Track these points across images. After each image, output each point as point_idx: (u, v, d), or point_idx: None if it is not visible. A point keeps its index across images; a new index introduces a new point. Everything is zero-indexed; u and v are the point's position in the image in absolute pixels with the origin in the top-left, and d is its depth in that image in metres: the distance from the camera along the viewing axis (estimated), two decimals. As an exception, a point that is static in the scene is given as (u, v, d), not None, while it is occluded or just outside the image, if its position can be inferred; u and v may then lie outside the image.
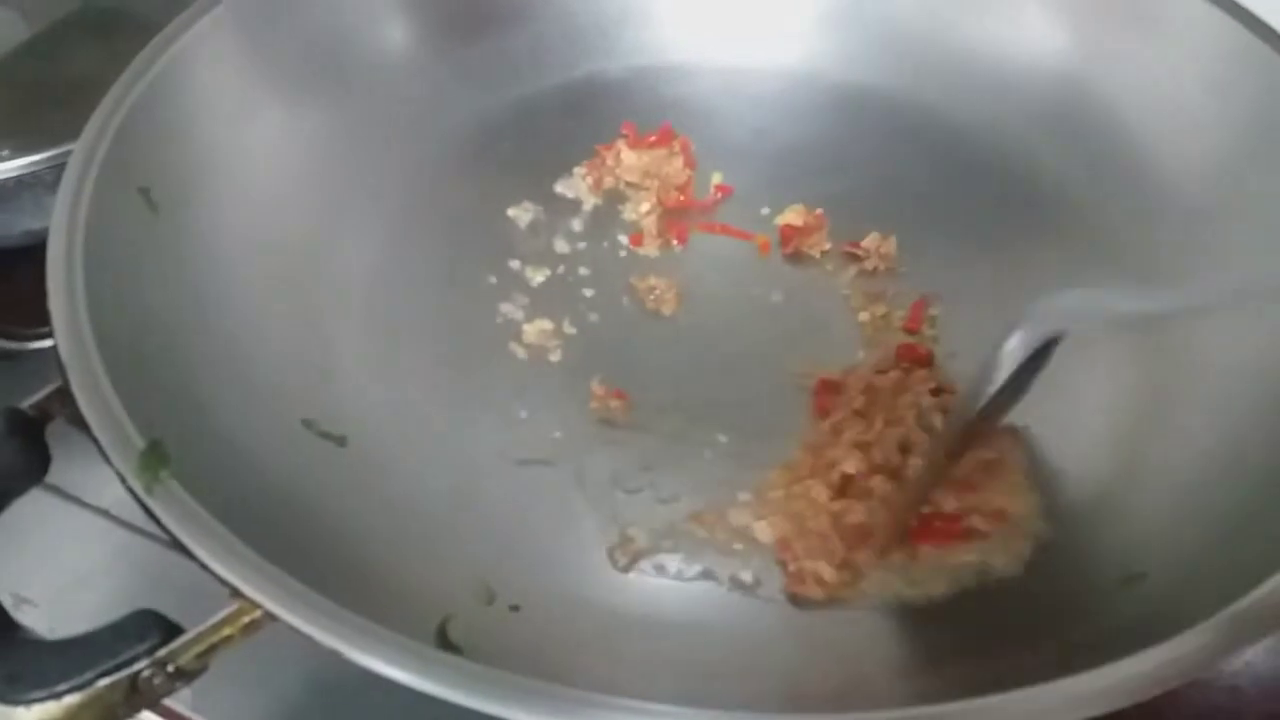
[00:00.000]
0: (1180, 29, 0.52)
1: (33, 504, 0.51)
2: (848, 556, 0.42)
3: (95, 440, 0.36)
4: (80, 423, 0.37)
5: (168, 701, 0.46)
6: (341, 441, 0.45)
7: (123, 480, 0.35)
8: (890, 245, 0.55)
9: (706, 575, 0.43)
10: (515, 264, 0.54)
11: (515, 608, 0.41)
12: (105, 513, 0.52)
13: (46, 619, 0.49)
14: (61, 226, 0.42)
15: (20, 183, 0.54)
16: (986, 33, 0.58)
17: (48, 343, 0.56)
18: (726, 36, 0.63)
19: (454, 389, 0.49)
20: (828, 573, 0.41)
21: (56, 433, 0.41)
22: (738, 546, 0.44)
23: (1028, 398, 0.47)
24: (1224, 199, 0.50)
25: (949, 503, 0.43)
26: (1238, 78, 0.50)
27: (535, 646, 0.38)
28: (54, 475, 0.52)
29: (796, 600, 0.42)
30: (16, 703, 0.30)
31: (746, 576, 0.43)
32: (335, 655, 0.31)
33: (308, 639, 0.31)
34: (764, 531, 0.43)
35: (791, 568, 0.42)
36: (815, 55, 0.63)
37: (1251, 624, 0.32)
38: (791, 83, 0.63)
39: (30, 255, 0.42)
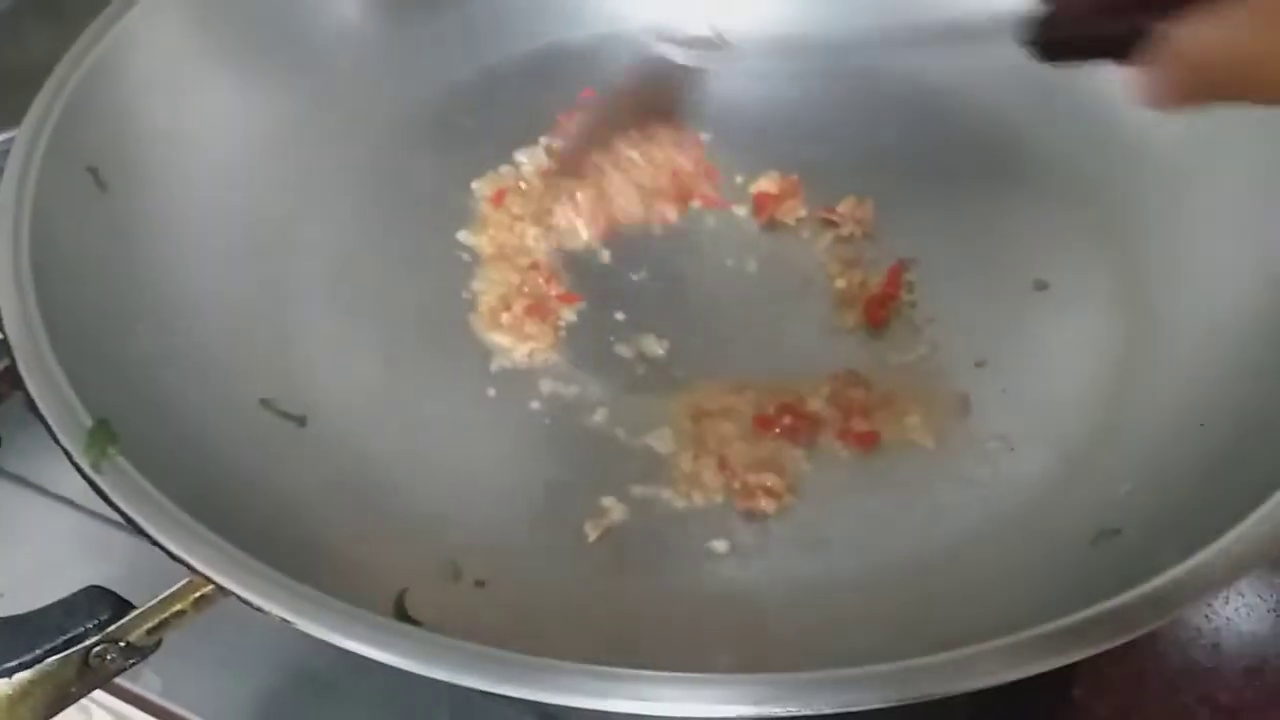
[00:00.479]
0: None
1: (-9, 492, 0.51)
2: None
3: (42, 419, 0.35)
4: (30, 403, 0.36)
5: (140, 690, 0.45)
6: (301, 421, 0.45)
7: (70, 458, 0.34)
8: (867, 210, 0.54)
9: (680, 546, 0.42)
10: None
11: (480, 583, 0.40)
12: (69, 501, 0.51)
13: (10, 607, 0.49)
14: (8, 208, 0.41)
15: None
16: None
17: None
18: (693, 3, 0.62)
19: (418, 366, 0.48)
20: (770, 480, 0.43)
21: (18, 420, 0.40)
22: (704, 504, 0.43)
23: (999, 357, 0.47)
24: (1197, 151, 0.49)
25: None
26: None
27: (500, 621, 0.38)
28: (16, 464, 0.52)
29: (752, 515, 0.43)
30: (-38, 682, 0.30)
31: (720, 546, 0.43)
32: (286, 625, 0.30)
33: (258, 610, 0.30)
34: (664, 441, 0.45)
35: (736, 485, 0.43)
36: (787, 20, 0.62)
37: (1219, 569, 0.32)
38: (764, 49, 0.61)
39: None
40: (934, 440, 0.45)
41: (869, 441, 0.45)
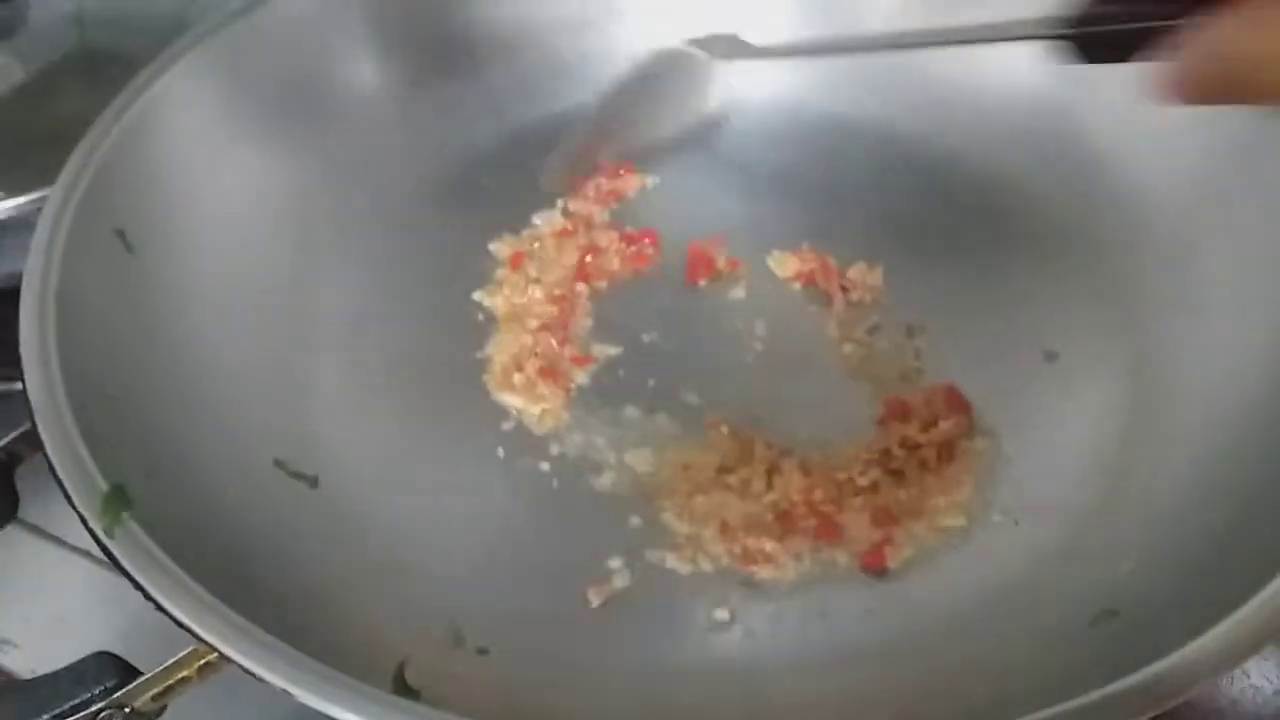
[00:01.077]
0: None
1: (14, 545, 0.52)
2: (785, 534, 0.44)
3: (59, 483, 0.36)
4: (49, 467, 0.37)
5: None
6: (314, 482, 0.45)
7: (84, 522, 0.35)
8: (876, 277, 0.54)
9: (684, 614, 0.43)
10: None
11: (483, 651, 0.40)
12: (87, 553, 0.52)
13: (28, 660, 0.50)
14: (36, 268, 0.42)
15: (4, 225, 0.55)
16: (968, 60, 0.58)
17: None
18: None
19: (431, 429, 0.49)
20: (770, 546, 0.43)
21: (39, 472, 0.42)
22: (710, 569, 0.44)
23: (1004, 428, 0.48)
24: (1206, 220, 0.50)
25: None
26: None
27: (501, 689, 0.38)
28: (36, 516, 0.53)
29: (753, 584, 0.43)
30: (-30, 747, 0.30)
31: (723, 615, 0.43)
32: (286, 696, 0.30)
33: (259, 680, 0.31)
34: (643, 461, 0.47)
35: (737, 549, 0.44)
36: (799, 86, 0.63)
37: (1216, 655, 0.31)
38: (777, 113, 0.63)
39: (11, 298, 0.42)
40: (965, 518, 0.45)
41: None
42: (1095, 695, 0.31)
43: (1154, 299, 0.50)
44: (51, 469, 0.36)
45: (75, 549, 0.52)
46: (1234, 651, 0.32)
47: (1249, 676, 0.44)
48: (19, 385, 0.39)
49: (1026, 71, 0.57)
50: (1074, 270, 0.54)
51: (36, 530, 0.52)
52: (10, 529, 0.52)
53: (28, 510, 0.52)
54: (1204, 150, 0.51)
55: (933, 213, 0.58)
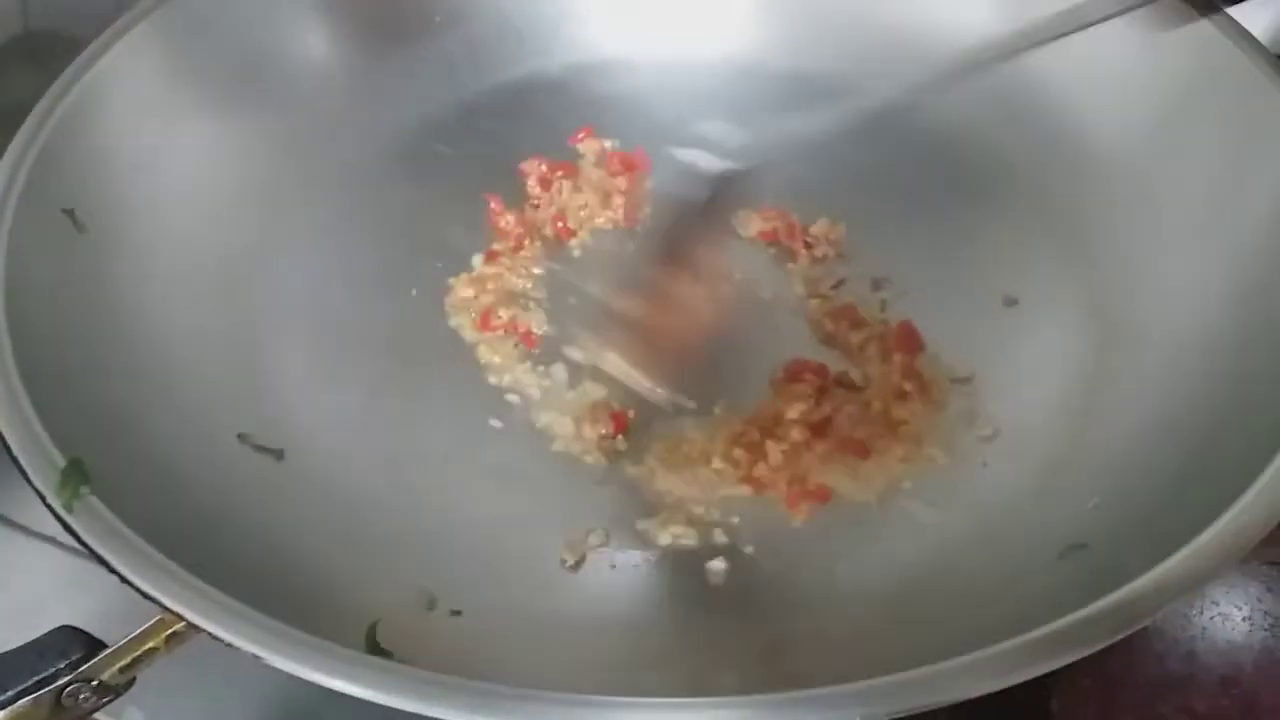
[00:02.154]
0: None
1: (-24, 533, 0.51)
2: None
3: (15, 460, 0.35)
4: (4, 444, 0.37)
5: (122, 724, 0.46)
6: (279, 455, 0.45)
7: (43, 499, 0.34)
8: (839, 231, 0.55)
9: (659, 564, 0.43)
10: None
11: (456, 613, 0.40)
12: (52, 539, 0.51)
13: (-6, 647, 0.49)
14: (-17, 244, 0.41)
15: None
16: (926, 13, 0.59)
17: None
18: (664, 29, 0.63)
19: (397, 397, 0.49)
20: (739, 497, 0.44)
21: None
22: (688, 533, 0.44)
23: (969, 367, 0.48)
24: (1159, 164, 0.50)
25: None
26: (1169, 48, 0.50)
27: (474, 650, 0.38)
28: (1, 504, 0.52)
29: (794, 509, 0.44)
30: (-65, 724, 0.30)
31: (710, 567, 0.43)
32: (256, 660, 0.30)
33: (228, 646, 0.30)
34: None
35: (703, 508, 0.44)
36: (756, 44, 0.63)
37: (1180, 579, 0.32)
38: (734, 73, 0.63)
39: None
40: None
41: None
42: (1067, 620, 0.31)
43: (1111, 242, 0.51)
44: (6, 446, 0.36)
45: (39, 535, 0.51)
46: (1196, 575, 0.33)
47: (1218, 605, 0.45)
48: None
49: (981, 24, 0.58)
50: (1032, 217, 0.54)
51: (1, 518, 0.51)
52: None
53: (-11, 498, 0.52)
54: (1155, 95, 0.52)
55: (893, 167, 0.58)
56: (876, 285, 0.53)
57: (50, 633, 0.32)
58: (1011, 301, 0.51)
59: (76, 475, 0.34)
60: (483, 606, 0.40)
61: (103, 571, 0.49)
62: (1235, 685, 0.43)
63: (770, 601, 0.41)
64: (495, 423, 0.48)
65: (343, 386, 0.48)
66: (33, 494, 0.50)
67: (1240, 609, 0.45)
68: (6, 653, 0.32)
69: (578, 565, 0.43)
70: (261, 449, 0.44)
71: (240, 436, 0.44)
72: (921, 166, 0.58)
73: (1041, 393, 0.47)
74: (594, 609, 0.41)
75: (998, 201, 0.55)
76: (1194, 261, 0.47)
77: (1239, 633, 0.44)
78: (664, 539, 0.44)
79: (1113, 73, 0.53)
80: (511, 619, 0.40)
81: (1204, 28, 0.49)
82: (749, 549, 0.43)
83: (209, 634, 0.31)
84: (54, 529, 0.50)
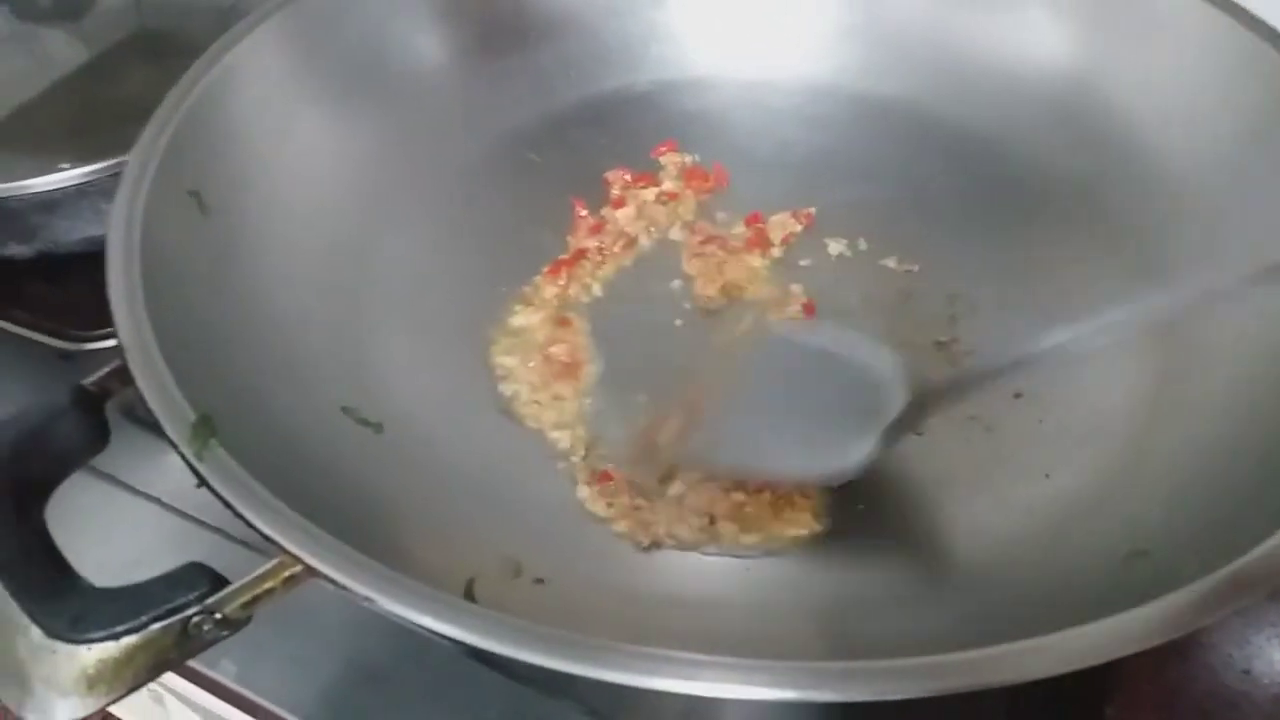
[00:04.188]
0: (1180, 29, 0.54)
1: (91, 492, 0.55)
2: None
3: (151, 411, 0.38)
4: (137, 404, 0.40)
5: (217, 675, 0.48)
6: (378, 429, 0.48)
7: (175, 448, 0.37)
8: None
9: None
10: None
11: (540, 581, 0.43)
12: (158, 501, 0.54)
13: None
14: (120, 222, 0.45)
15: (80, 191, 0.58)
16: (996, 40, 0.61)
17: (102, 344, 0.60)
18: (748, 51, 0.66)
19: (480, 385, 0.51)
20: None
21: (115, 425, 0.44)
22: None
23: (1036, 390, 0.50)
24: (1229, 192, 0.52)
25: None
26: (1238, 74, 0.52)
27: (557, 615, 0.40)
28: (112, 465, 0.56)
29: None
30: (78, 642, 0.33)
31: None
32: (369, 603, 0.33)
33: (342, 589, 0.33)
34: None
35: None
36: (835, 68, 0.65)
37: (1235, 587, 0.33)
38: (813, 95, 0.65)
39: (87, 261, 0.45)
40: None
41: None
42: (1118, 617, 0.32)
43: (1179, 265, 0.52)
44: (142, 400, 0.39)
45: (148, 497, 0.54)
46: (1246, 586, 0.34)
47: (1275, 625, 0.45)
48: (104, 344, 0.42)
49: (1049, 48, 0.60)
50: (1101, 238, 0.56)
51: (112, 479, 0.55)
52: (81, 476, 0.54)
53: (104, 461, 0.55)
54: (1224, 119, 0.53)
55: (965, 188, 0.60)
56: (948, 301, 0.55)
57: (180, 567, 0.35)
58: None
59: (206, 429, 0.37)
60: (563, 577, 0.43)
61: (203, 531, 0.53)
62: (1289, 703, 0.43)
63: (840, 589, 0.43)
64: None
65: (436, 370, 0.51)
66: (143, 458, 0.54)
67: None
68: (141, 583, 0.34)
69: (651, 548, 0.45)
70: (363, 422, 0.47)
71: (344, 409, 0.47)
72: (997, 192, 0.60)
73: (1106, 408, 0.48)
74: (667, 585, 0.44)
75: (1066, 224, 0.57)
76: (1260, 287, 0.48)
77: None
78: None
79: (1183, 96, 0.54)
80: (590, 589, 0.43)
81: (1274, 55, 0.51)
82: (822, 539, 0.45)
83: (323, 576, 0.34)
84: (160, 489, 0.55)
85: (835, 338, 0.45)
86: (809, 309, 0.55)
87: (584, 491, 0.47)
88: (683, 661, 0.31)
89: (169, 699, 0.56)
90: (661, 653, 0.31)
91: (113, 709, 0.62)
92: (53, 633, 0.33)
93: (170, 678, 0.51)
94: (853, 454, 0.41)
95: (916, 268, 0.56)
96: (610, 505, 0.47)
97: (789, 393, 0.44)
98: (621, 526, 0.46)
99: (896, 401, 0.42)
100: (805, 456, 0.43)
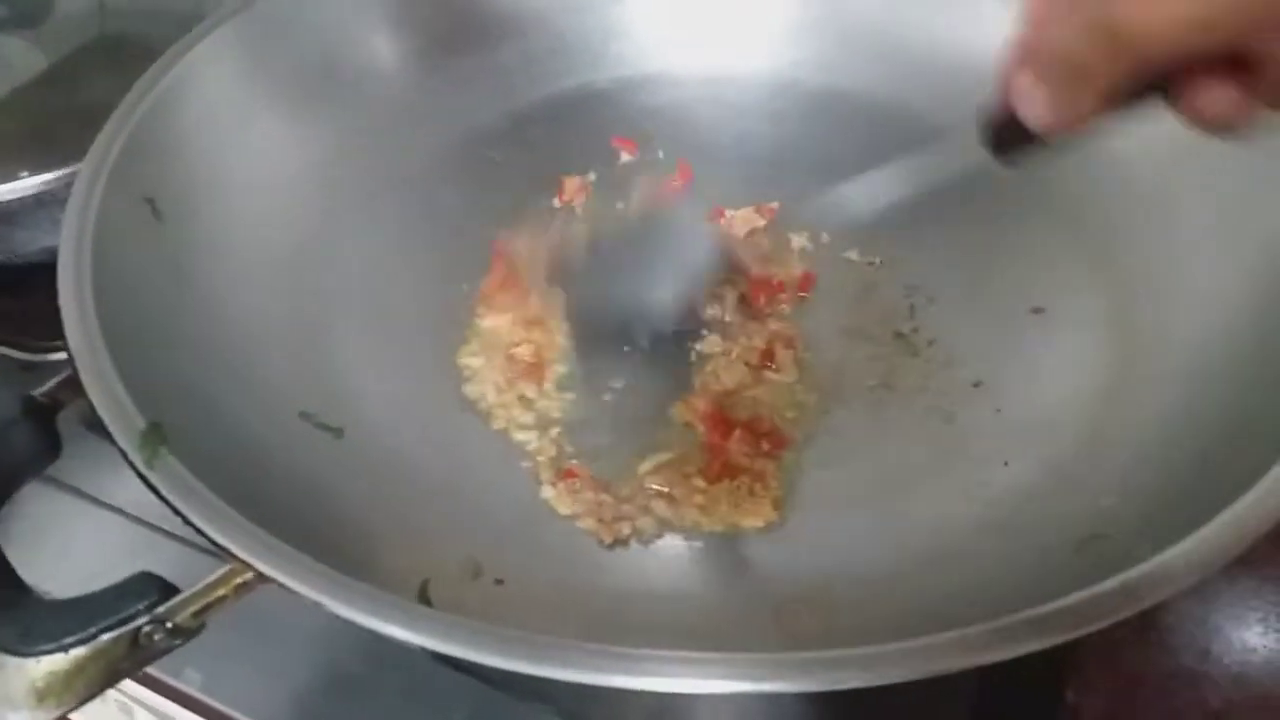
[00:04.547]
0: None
1: (47, 502, 0.54)
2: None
3: (100, 421, 0.38)
4: (88, 412, 0.39)
5: (180, 685, 0.48)
6: (338, 433, 0.48)
7: (125, 456, 0.37)
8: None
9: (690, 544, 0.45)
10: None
11: (500, 582, 0.43)
12: (120, 511, 0.54)
13: (63, 607, 0.52)
14: (72, 231, 0.45)
15: (38, 200, 0.57)
16: (951, 32, 0.61)
17: (62, 355, 0.60)
18: (707, 46, 0.66)
19: (444, 386, 0.51)
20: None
21: (72, 436, 0.44)
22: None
23: (995, 379, 0.50)
24: (1183, 175, 0.52)
25: None
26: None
27: (515, 615, 0.40)
28: (71, 475, 0.55)
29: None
30: (27, 655, 0.33)
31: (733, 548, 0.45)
32: (318, 607, 0.33)
33: (292, 593, 0.33)
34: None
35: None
36: (793, 62, 0.65)
37: (1184, 567, 0.33)
38: (771, 89, 0.65)
39: (47, 271, 0.44)
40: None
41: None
42: (1072, 597, 0.33)
43: (1135, 252, 0.53)
44: (92, 408, 0.38)
45: (109, 506, 0.54)
46: (1196, 564, 0.34)
47: (1233, 606, 0.46)
48: (61, 355, 0.41)
49: (1004, 40, 0.60)
50: (1061, 230, 0.56)
51: (72, 489, 0.54)
52: (42, 487, 0.54)
53: (64, 471, 0.55)
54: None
55: (919, 180, 0.59)
56: (908, 292, 0.55)
57: (130, 578, 0.34)
58: (1038, 310, 0.53)
59: (156, 436, 0.37)
60: (524, 576, 0.43)
61: (165, 539, 0.53)
62: (1247, 681, 0.44)
63: (800, 578, 0.43)
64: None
65: (397, 373, 0.51)
66: (103, 467, 0.54)
67: (1255, 610, 0.46)
68: (91, 594, 0.34)
69: (614, 545, 0.45)
70: (323, 426, 0.47)
71: (303, 414, 0.47)
72: (956, 184, 0.60)
73: (1063, 395, 0.49)
74: (628, 581, 0.44)
75: (1024, 214, 0.57)
76: (1214, 271, 0.49)
77: (1253, 633, 0.45)
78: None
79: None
80: (550, 588, 0.43)
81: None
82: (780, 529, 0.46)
83: (274, 581, 0.33)
84: (122, 500, 0.54)
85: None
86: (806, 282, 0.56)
87: (549, 491, 0.47)
88: (638, 658, 0.31)
89: (137, 710, 0.56)
90: (615, 650, 0.31)
91: (77, 717, 0.62)
92: (1, 646, 0.33)
93: (135, 688, 0.51)
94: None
95: (878, 260, 0.56)
96: (575, 502, 0.47)
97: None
98: (587, 524, 0.46)
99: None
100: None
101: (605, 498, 0.47)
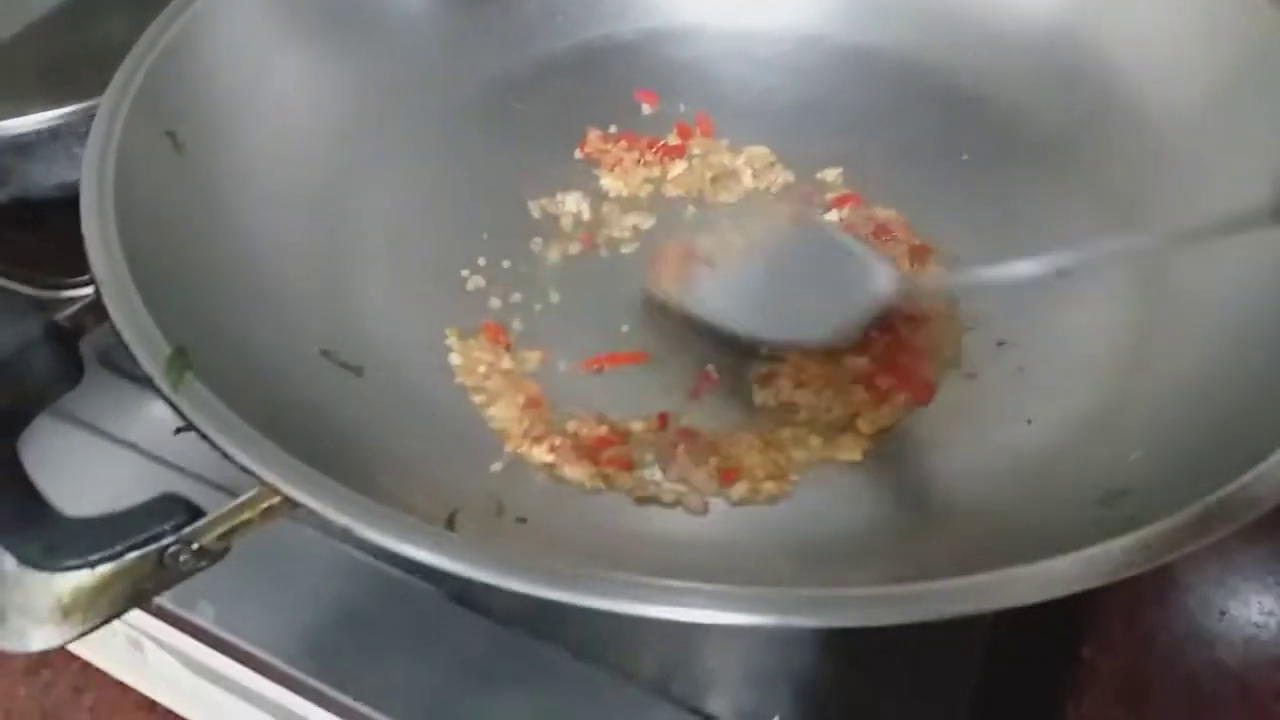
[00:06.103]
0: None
1: (63, 438, 0.54)
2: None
3: (125, 345, 0.38)
4: (112, 344, 0.39)
5: (194, 618, 0.48)
6: (359, 372, 0.47)
7: (151, 381, 0.37)
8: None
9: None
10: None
11: (522, 520, 0.42)
12: (135, 447, 0.54)
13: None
14: (94, 159, 0.44)
15: (54, 133, 0.57)
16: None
17: (78, 291, 0.59)
18: (734, 0, 0.65)
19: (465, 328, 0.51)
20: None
21: (92, 374, 0.44)
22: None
23: (1018, 337, 0.50)
24: (1211, 135, 0.51)
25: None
26: (1220, 25, 0.52)
27: (539, 552, 0.40)
28: (88, 413, 0.55)
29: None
30: (53, 570, 0.32)
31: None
32: (347, 533, 0.32)
33: (320, 517, 0.33)
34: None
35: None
36: (821, 18, 0.65)
37: (1206, 521, 0.33)
38: (798, 44, 0.65)
39: (63, 207, 0.44)
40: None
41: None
42: (1091, 550, 0.33)
43: (1162, 212, 0.52)
44: (117, 333, 0.38)
45: (125, 443, 0.54)
46: (1214, 524, 0.34)
47: (1251, 569, 0.46)
48: (80, 292, 0.41)
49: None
50: (1084, 188, 0.55)
51: (88, 426, 0.54)
52: (58, 423, 0.54)
53: (80, 407, 0.54)
54: (1209, 65, 0.53)
55: (951, 137, 0.59)
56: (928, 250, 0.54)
57: (157, 498, 0.34)
58: (1063, 271, 0.52)
59: (181, 361, 0.37)
60: (546, 516, 0.42)
61: (179, 478, 0.52)
62: (1265, 643, 0.44)
63: (822, 531, 0.43)
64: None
65: (416, 316, 0.51)
66: (118, 405, 0.54)
67: (1272, 573, 0.46)
68: (117, 513, 0.34)
69: (635, 488, 0.45)
70: (343, 365, 0.47)
71: (324, 353, 0.47)
72: (982, 142, 0.59)
73: (1088, 355, 0.48)
74: (652, 526, 0.44)
75: (1050, 174, 0.57)
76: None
77: (1271, 595, 0.45)
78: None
79: (1165, 46, 0.54)
80: (573, 529, 0.42)
81: (1256, 5, 0.51)
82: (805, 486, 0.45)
83: (301, 505, 0.33)
84: (137, 436, 0.54)
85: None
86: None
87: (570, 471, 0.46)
88: (667, 589, 0.31)
89: (147, 644, 0.56)
90: (645, 580, 0.31)
91: (90, 657, 0.62)
92: (27, 560, 0.32)
93: (148, 622, 0.51)
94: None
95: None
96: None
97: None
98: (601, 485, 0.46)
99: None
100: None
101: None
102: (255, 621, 0.48)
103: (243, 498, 0.34)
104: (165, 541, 0.33)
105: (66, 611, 0.32)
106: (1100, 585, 0.32)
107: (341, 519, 0.32)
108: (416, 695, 0.45)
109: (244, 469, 0.34)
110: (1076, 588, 0.32)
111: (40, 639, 0.33)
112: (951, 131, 0.59)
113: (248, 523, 0.34)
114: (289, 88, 0.54)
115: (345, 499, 0.33)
